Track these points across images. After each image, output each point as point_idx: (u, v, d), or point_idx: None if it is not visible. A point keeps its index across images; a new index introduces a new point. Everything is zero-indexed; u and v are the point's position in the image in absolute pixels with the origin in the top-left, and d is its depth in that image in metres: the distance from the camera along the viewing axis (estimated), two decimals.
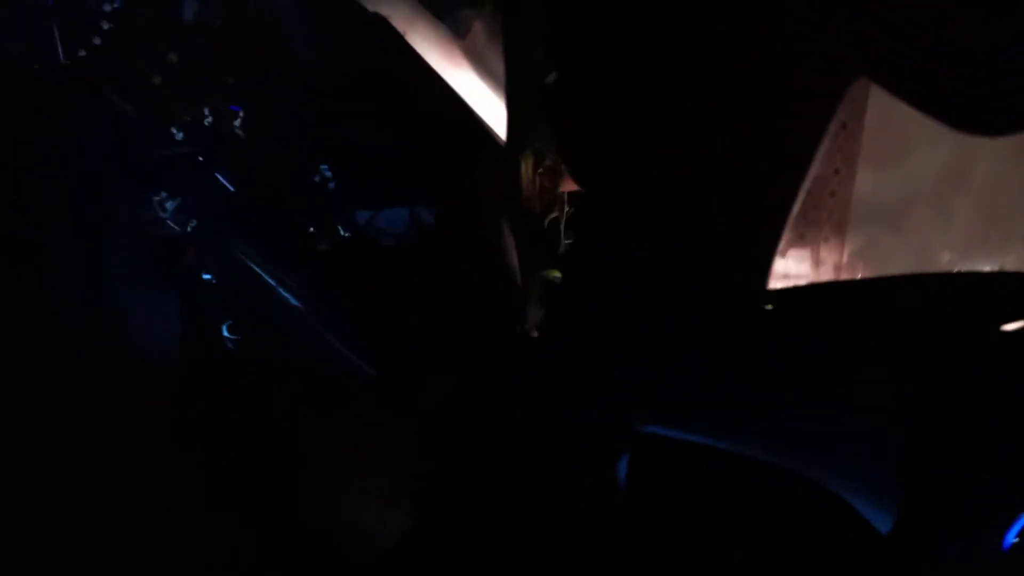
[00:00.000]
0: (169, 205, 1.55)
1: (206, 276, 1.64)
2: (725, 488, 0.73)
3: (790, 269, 4.35)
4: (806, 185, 0.93)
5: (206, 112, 1.48)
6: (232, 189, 1.56)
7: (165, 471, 1.40)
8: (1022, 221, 3.34)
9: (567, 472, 0.85)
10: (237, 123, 1.49)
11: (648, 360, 0.81)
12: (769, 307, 0.79)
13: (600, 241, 0.86)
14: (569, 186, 1.54)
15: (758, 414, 0.72)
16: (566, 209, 1.47)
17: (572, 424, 0.84)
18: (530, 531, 0.87)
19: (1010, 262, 3.36)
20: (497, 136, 1.37)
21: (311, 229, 1.70)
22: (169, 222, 1.55)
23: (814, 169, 0.95)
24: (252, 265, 1.61)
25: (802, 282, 1.92)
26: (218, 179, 1.59)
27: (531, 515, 0.87)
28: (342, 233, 1.69)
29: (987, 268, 3.23)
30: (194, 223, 1.57)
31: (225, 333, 1.58)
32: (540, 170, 1.11)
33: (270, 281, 1.59)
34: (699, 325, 0.79)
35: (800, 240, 4.05)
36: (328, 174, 1.67)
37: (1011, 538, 0.69)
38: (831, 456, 0.68)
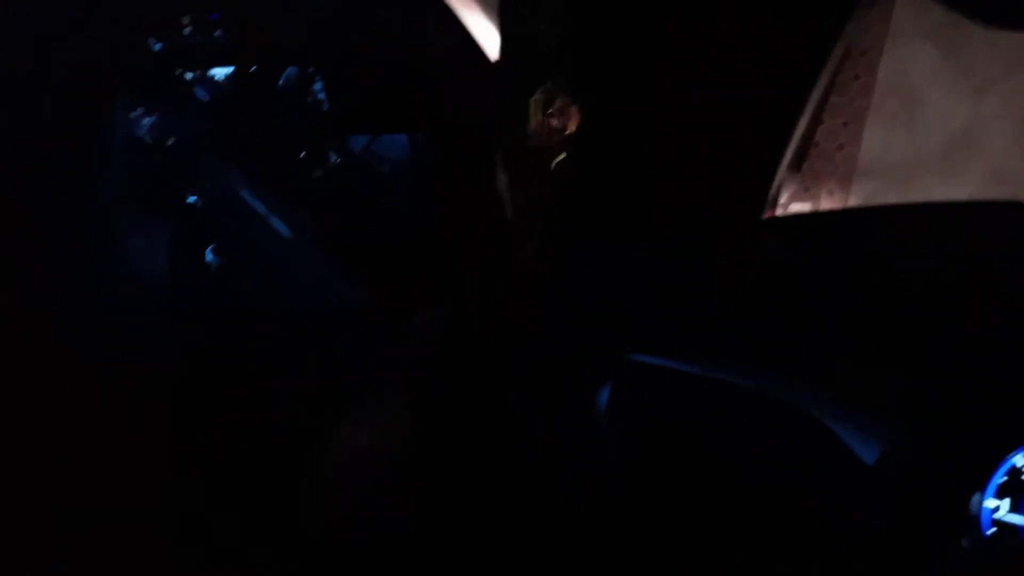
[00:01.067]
0: (145, 121, 1.48)
1: (191, 199, 1.59)
2: (713, 423, 0.71)
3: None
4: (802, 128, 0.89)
5: (185, 21, 1.40)
6: (208, 103, 1.49)
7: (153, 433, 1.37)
8: (1019, 185, 3.29)
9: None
10: (218, 33, 1.41)
11: (640, 284, 0.78)
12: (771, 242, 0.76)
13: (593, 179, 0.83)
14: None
15: (752, 342, 0.70)
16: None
17: (557, 353, 0.82)
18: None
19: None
20: (507, 77, 1.32)
21: (302, 153, 1.63)
22: (145, 139, 1.48)
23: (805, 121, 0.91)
24: (239, 189, 1.55)
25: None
26: (198, 97, 1.51)
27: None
28: (335, 159, 1.63)
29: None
30: (171, 141, 1.50)
31: (209, 257, 1.53)
32: (550, 111, 1.07)
33: (257, 206, 1.54)
34: (691, 248, 0.76)
35: (804, 192, 4.01)
36: (321, 95, 1.60)
37: (987, 523, 0.68)
38: (822, 385, 0.67)
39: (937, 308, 0.66)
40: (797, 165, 3.76)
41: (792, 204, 3.89)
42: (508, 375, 0.97)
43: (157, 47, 1.41)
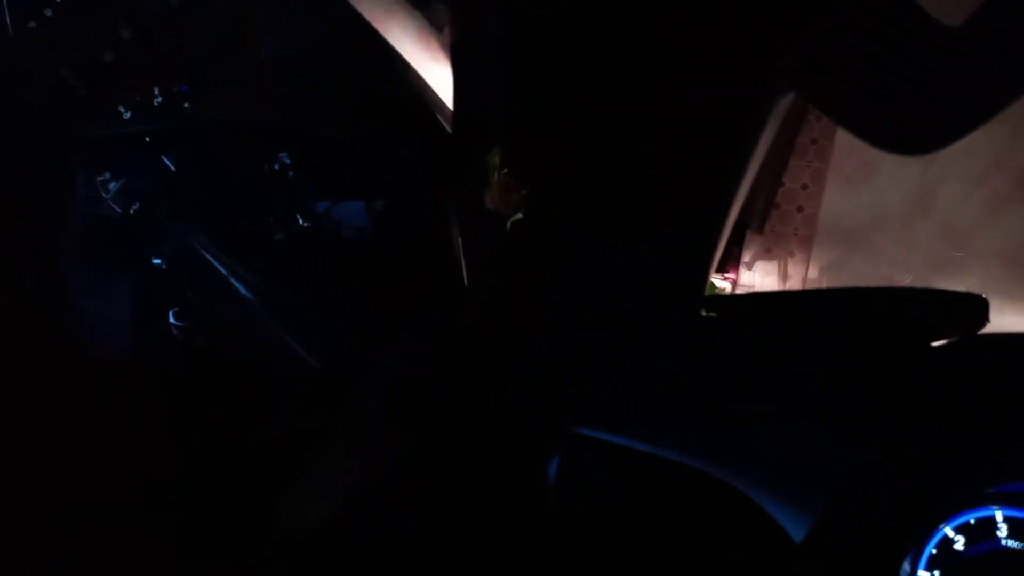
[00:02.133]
0: (112, 186, 1.50)
1: (156, 261, 1.59)
2: (653, 497, 0.73)
3: (756, 282, 4.43)
4: (744, 191, 0.93)
5: (156, 92, 1.43)
6: (174, 171, 1.51)
7: (114, 463, 1.36)
8: (982, 243, 3.43)
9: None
10: (187, 105, 1.45)
11: (583, 361, 0.81)
12: (710, 313, 0.80)
13: (551, 248, 0.87)
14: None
15: (694, 420, 0.72)
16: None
17: (509, 425, 0.84)
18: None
19: (972, 284, 3.45)
20: (467, 132, 1.36)
21: (269, 218, 1.66)
22: (111, 203, 1.50)
23: (751, 176, 0.95)
24: (204, 252, 1.57)
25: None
26: (165, 162, 1.54)
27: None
28: (301, 223, 1.65)
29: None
30: (136, 206, 1.51)
31: (172, 320, 1.54)
32: (506, 169, 1.10)
33: (221, 270, 1.55)
34: (638, 327, 0.79)
35: (767, 253, 4.13)
36: (287, 161, 1.63)
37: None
38: (758, 465, 0.69)
39: (863, 383, 0.69)
40: (760, 226, 3.88)
41: (755, 264, 4.00)
42: (460, 436, 0.98)
43: (127, 115, 1.44)
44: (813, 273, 4.00)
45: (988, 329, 0.78)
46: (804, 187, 3.80)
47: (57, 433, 1.36)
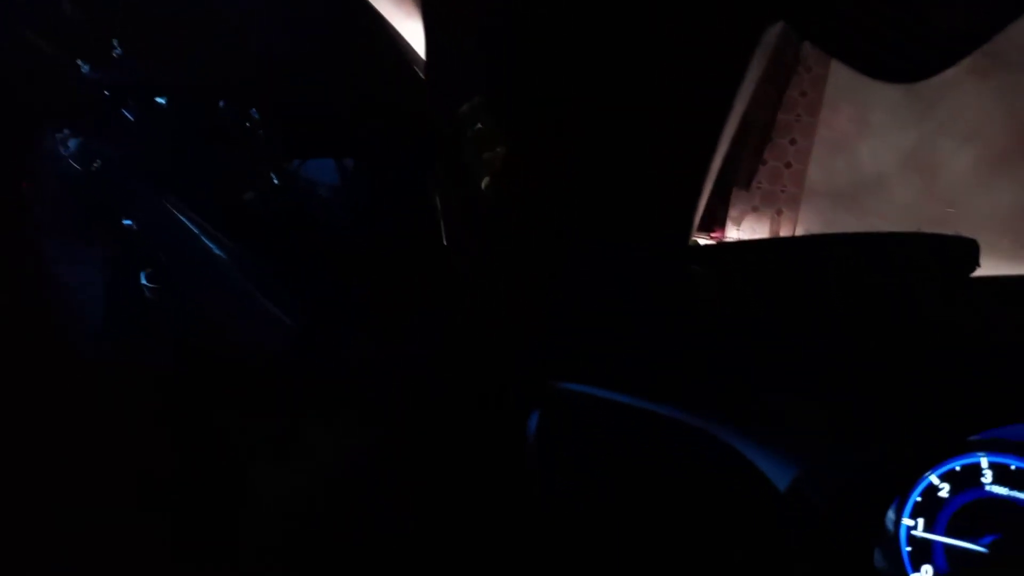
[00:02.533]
0: (72, 144, 1.44)
1: (127, 222, 1.55)
2: (636, 449, 0.72)
3: (745, 239, 4.41)
4: (726, 141, 0.90)
5: (115, 44, 1.37)
6: (139, 127, 1.46)
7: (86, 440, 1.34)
8: (975, 201, 3.42)
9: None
10: (150, 58, 1.39)
11: (565, 315, 0.79)
12: (695, 265, 0.77)
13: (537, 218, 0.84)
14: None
15: (676, 371, 0.71)
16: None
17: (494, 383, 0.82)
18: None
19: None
20: (437, 97, 1.32)
21: (241, 176, 1.61)
22: (71, 161, 1.44)
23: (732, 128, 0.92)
24: (175, 212, 1.52)
25: None
26: (128, 117, 1.48)
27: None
28: (274, 181, 1.61)
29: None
30: (98, 163, 1.46)
31: (143, 281, 1.50)
32: (487, 150, 1.07)
33: (194, 229, 1.51)
34: (621, 279, 0.77)
35: (754, 211, 4.11)
36: (257, 117, 1.57)
37: (905, 541, 0.70)
38: (742, 414, 0.67)
39: (849, 332, 0.68)
40: (746, 183, 3.85)
41: (743, 222, 3.98)
42: (438, 396, 0.97)
43: (85, 69, 1.38)
44: (801, 232, 3.98)
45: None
46: (792, 142, 3.75)
47: (34, 412, 1.34)
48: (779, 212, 3.83)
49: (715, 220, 3.92)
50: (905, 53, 0.60)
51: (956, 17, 0.59)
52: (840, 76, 3.77)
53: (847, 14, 0.59)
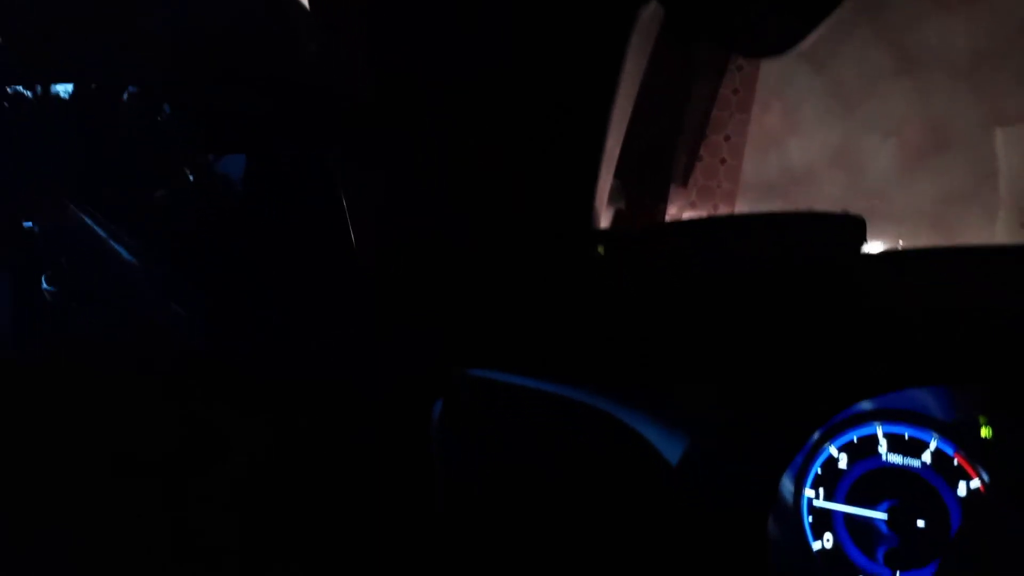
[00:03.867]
0: None
1: (27, 224, 1.48)
2: (537, 432, 0.72)
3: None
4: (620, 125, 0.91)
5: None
6: (31, 123, 1.40)
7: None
8: (898, 194, 3.57)
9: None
10: (42, 51, 1.33)
11: (469, 301, 0.79)
12: (600, 250, 0.78)
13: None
14: None
15: (578, 354, 0.71)
16: None
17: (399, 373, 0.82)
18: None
19: (893, 233, 3.59)
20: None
21: (152, 175, 1.56)
22: None
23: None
24: (79, 213, 1.47)
25: None
26: (17, 113, 1.42)
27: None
28: (189, 178, 1.56)
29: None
30: None
31: (44, 285, 1.44)
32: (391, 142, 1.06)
33: (100, 232, 1.45)
34: (523, 265, 0.77)
35: (692, 208, 4.19)
36: (168, 110, 1.53)
37: (806, 511, 0.73)
38: (637, 392, 0.68)
39: (738, 306, 0.69)
40: (684, 179, 3.93)
41: (682, 217, 4.05)
42: (347, 387, 0.95)
43: None
44: None
45: None
46: (727, 138, 3.86)
47: None
48: (715, 208, 3.92)
49: (654, 216, 3.98)
50: (765, 26, 0.62)
51: None
52: (771, 74, 3.89)
53: None
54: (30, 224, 1.54)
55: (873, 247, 0.77)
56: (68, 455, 1.27)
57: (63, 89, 1.52)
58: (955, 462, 0.76)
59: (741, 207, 3.90)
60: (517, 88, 0.77)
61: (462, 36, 0.82)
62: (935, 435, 0.76)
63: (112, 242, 1.50)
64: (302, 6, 1.44)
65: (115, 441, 1.29)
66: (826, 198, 3.75)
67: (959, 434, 0.76)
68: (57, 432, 1.31)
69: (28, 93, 1.42)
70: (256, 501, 1.07)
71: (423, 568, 0.77)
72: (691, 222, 0.92)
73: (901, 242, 3.53)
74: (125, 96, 1.56)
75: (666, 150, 3.89)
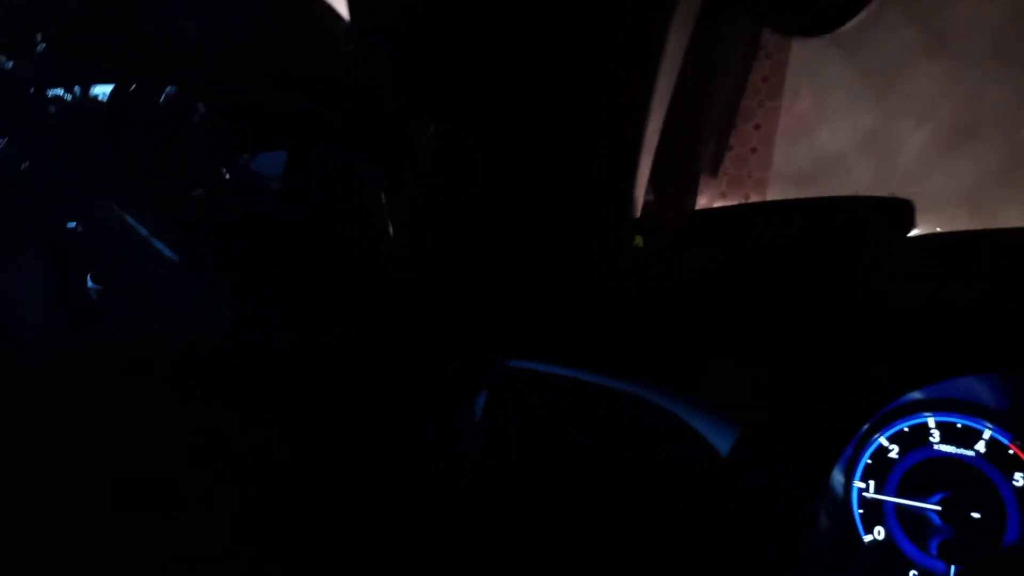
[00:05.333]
0: None
1: (71, 224, 1.52)
2: (584, 423, 0.72)
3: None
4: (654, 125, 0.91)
5: (39, 38, 1.33)
6: (70, 124, 1.43)
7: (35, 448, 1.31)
8: (933, 181, 3.49)
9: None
10: (80, 51, 1.36)
11: (513, 293, 0.79)
12: (639, 241, 0.78)
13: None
14: None
15: (623, 344, 0.71)
16: None
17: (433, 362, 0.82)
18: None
19: (928, 221, 3.51)
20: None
21: (189, 174, 1.58)
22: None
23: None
24: (121, 212, 1.49)
25: None
26: (57, 116, 1.44)
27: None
28: (226, 176, 1.58)
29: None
30: (26, 164, 1.42)
31: (89, 284, 1.47)
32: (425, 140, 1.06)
33: (141, 230, 1.48)
34: (566, 256, 0.77)
35: (722, 198, 4.15)
36: (203, 110, 1.55)
37: (856, 503, 0.72)
38: (686, 383, 0.68)
39: (787, 296, 0.68)
40: (713, 170, 3.88)
41: (714, 207, 4.01)
42: (386, 381, 0.96)
43: (9, 65, 1.34)
44: None
45: None
46: (757, 127, 3.80)
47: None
48: (746, 197, 3.87)
49: (684, 206, 3.94)
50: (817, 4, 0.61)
51: None
52: (800, 61, 3.83)
53: None
54: (74, 224, 1.57)
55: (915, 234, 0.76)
56: (95, 455, 1.30)
57: (102, 91, 1.54)
58: (1010, 451, 0.75)
59: (772, 196, 3.84)
60: (552, 80, 0.77)
61: (495, 33, 0.82)
62: (988, 424, 0.75)
63: (154, 241, 1.52)
64: (334, 9, 1.45)
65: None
66: (859, 184, 3.68)
67: (1014, 423, 0.75)
68: (82, 430, 1.34)
69: (68, 96, 1.45)
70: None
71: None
72: (732, 208, 0.91)
73: (939, 229, 3.45)
74: (163, 98, 1.59)
75: (695, 140, 3.84)
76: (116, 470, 1.26)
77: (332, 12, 1.47)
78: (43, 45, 1.33)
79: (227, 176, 1.63)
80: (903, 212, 0.71)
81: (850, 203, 0.74)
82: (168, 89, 1.65)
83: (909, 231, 0.71)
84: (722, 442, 0.62)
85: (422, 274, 0.89)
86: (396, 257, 0.97)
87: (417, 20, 0.97)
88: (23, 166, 1.38)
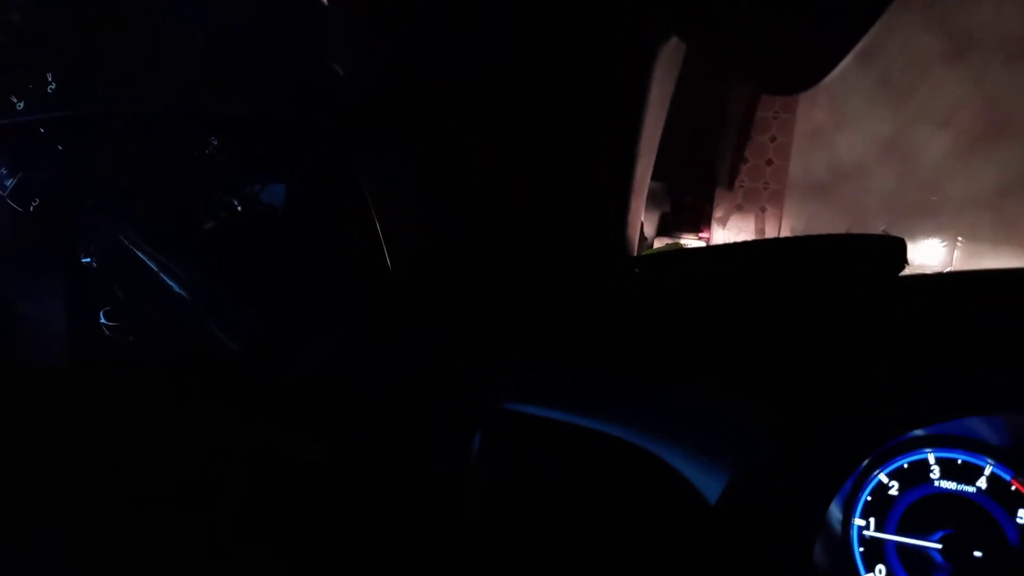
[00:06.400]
0: (8, 183, 1.44)
1: (85, 260, 1.55)
2: (576, 467, 0.72)
3: (730, 239, 4.43)
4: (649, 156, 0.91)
5: (49, 79, 1.37)
6: (81, 162, 1.46)
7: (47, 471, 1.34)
8: (953, 186, 3.44)
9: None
10: (87, 90, 1.39)
11: (511, 339, 0.79)
12: (636, 271, 0.78)
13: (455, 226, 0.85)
14: None
15: (617, 388, 0.71)
16: None
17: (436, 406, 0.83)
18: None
19: (948, 228, 3.46)
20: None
21: (201, 207, 1.61)
22: (9, 201, 1.44)
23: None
24: (133, 248, 1.52)
25: None
26: (70, 152, 1.48)
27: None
28: (237, 207, 1.61)
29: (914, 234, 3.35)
30: (36, 202, 1.46)
31: (102, 320, 1.50)
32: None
33: (152, 266, 1.51)
34: (559, 296, 0.78)
35: (739, 210, 4.13)
36: (214, 142, 1.58)
37: (856, 541, 0.71)
38: (677, 428, 0.67)
39: (778, 334, 0.68)
40: (729, 182, 3.87)
41: (728, 221, 3.99)
42: (382, 417, 0.97)
43: (20, 105, 1.38)
44: (787, 228, 4.00)
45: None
46: (772, 139, 3.78)
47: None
48: (763, 209, 3.85)
49: (701, 220, 3.93)
50: (790, 64, 0.61)
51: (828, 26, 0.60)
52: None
53: (734, 31, 0.60)
54: (88, 260, 1.61)
55: (932, 243, 0.75)
56: (105, 459, 1.32)
57: (106, 128, 1.58)
58: (1012, 487, 0.73)
59: (789, 207, 3.82)
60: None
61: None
62: (990, 460, 0.74)
63: (164, 276, 1.55)
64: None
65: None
66: (878, 193, 3.64)
67: (1015, 459, 0.74)
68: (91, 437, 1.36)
69: (73, 134, 1.48)
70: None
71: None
72: (728, 246, 0.91)
73: (960, 237, 3.40)
74: (173, 131, 1.62)
75: (710, 154, 3.83)
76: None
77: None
78: (54, 86, 1.37)
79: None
80: (896, 251, 0.70)
81: (842, 241, 0.73)
82: (175, 124, 1.69)
83: (902, 270, 0.71)
84: (711, 489, 0.62)
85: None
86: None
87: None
88: (33, 205, 1.42)
